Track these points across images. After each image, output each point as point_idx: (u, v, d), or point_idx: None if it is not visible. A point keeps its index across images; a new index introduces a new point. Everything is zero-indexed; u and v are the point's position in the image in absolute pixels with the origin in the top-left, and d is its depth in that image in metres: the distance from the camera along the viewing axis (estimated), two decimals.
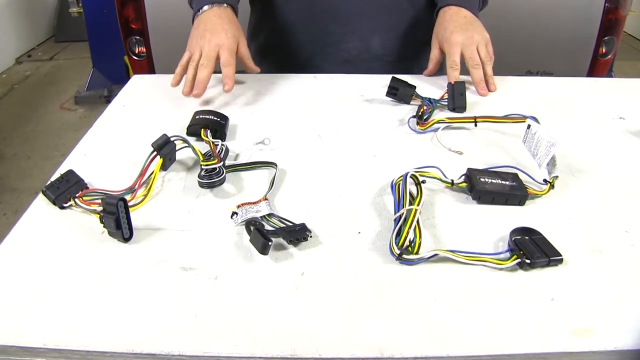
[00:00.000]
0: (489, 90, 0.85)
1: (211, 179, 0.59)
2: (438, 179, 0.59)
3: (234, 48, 0.81)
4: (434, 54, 0.89)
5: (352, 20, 0.93)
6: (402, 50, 0.98)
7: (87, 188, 0.59)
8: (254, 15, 1.03)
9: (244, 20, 1.02)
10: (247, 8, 1.02)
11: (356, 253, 0.50)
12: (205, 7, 0.83)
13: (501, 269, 0.48)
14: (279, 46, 0.99)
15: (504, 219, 0.55)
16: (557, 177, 0.59)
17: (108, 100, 2.80)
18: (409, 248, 0.49)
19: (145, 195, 0.58)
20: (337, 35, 0.94)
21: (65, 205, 0.56)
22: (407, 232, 0.50)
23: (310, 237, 0.51)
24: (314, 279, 0.47)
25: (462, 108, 0.79)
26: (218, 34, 0.80)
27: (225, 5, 0.84)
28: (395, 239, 0.50)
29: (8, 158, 2.48)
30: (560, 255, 0.48)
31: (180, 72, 0.82)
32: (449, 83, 0.80)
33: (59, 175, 0.59)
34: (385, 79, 0.82)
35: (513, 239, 0.50)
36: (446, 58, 0.86)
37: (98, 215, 0.53)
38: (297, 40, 0.96)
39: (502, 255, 0.49)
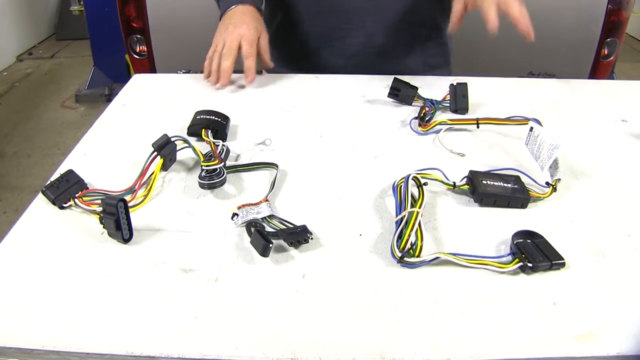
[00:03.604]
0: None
1: (212, 180, 0.59)
2: (440, 181, 0.59)
3: (255, 39, 0.86)
4: (457, 8, 0.80)
5: (356, 16, 0.94)
6: (407, 46, 0.98)
7: (87, 188, 0.59)
8: (267, 8, 1.05)
9: None
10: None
11: (357, 255, 0.50)
12: (232, 7, 0.90)
13: (503, 273, 0.48)
14: (288, 39, 1.01)
15: (506, 222, 0.55)
16: (559, 180, 0.59)
17: (109, 98, 2.80)
18: (411, 251, 0.49)
19: (146, 196, 0.58)
20: (342, 30, 0.96)
21: (64, 205, 0.56)
22: (409, 235, 0.49)
23: (311, 239, 0.51)
24: (314, 281, 0.47)
25: (465, 110, 0.78)
26: (240, 26, 0.86)
27: (250, 4, 0.90)
28: (397, 241, 0.49)
29: (8, 156, 2.48)
30: (563, 259, 0.48)
31: (208, 65, 0.89)
32: (451, 84, 0.80)
33: (59, 175, 0.58)
34: (387, 80, 0.81)
35: (515, 242, 0.50)
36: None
37: (98, 216, 0.53)
38: (304, 33, 0.99)
39: (504, 259, 0.49)
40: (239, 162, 0.65)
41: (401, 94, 0.80)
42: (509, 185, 0.58)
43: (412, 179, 0.57)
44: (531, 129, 0.66)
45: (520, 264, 0.48)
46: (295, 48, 1.01)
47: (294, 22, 0.99)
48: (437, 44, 0.99)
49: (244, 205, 0.55)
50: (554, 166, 0.61)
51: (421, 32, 0.98)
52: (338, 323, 0.43)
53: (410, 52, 0.99)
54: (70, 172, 0.59)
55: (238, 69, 0.86)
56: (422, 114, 0.75)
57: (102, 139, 0.71)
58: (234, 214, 0.54)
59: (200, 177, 0.60)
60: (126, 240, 0.51)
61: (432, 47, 0.95)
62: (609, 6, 1.49)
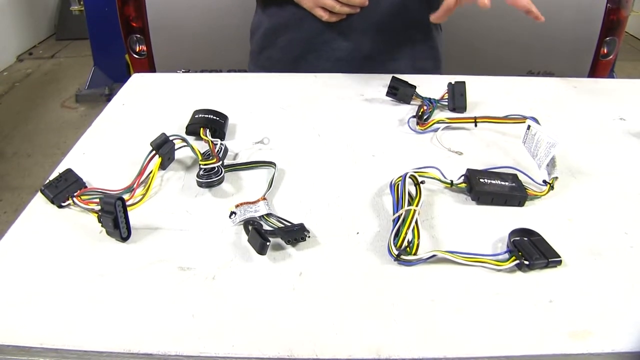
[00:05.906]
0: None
1: (210, 179, 0.59)
2: (437, 179, 0.59)
3: None
4: (448, 1, 0.78)
5: (342, 20, 0.93)
6: (395, 50, 0.98)
7: (86, 187, 0.59)
8: (256, 10, 1.04)
9: (249, 17, 1.04)
10: (253, 6, 1.03)
11: (354, 253, 0.50)
12: None
13: (500, 270, 0.48)
14: (275, 42, 1.01)
15: (503, 220, 0.55)
16: (556, 178, 0.59)
17: (109, 98, 2.79)
18: (408, 249, 0.49)
19: (144, 195, 0.58)
20: (329, 34, 0.95)
21: (63, 204, 0.56)
22: (406, 233, 0.49)
23: (309, 237, 0.51)
24: (311, 279, 0.47)
25: (462, 108, 0.79)
26: None
27: None
28: (394, 239, 0.49)
29: (8, 156, 2.48)
30: (559, 257, 0.48)
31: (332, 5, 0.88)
32: (449, 83, 0.80)
33: (58, 174, 0.58)
34: (385, 79, 0.82)
35: (512, 240, 0.50)
36: None
37: (96, 215, 0.53)
38: (290, 37, 0.98)
39: (500, 257, 0.49)
40: (237, 161, 0.66)
41: (399, 92, 0.80)
42: (507, 183, 0.58)
43: (410, 177, 0.57)
44: (528, 127, 0.66)
45: (517, 261, 0.48)
46: (281, 52, 1.00)
47: (280, 28, 0.98)
48: (428, 47, 0.98)
49: (241, 204, 0.55)
50: (551, 164, 0.61)
51: (410, 35, 0.97)
52: (335, 321, 0.43)
53: (399, 56, 0.98)
54: (68, 171, 0.59)
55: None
56: (420, 113, 0.75)
57: (101, 138, 0.71)
58: (232, 213, 0.55)
59: (198, 175, 0.60)
60: (124, 238, 0.51)
61: (421, 51, 0.94)
62: (608, 5, 1.50)
